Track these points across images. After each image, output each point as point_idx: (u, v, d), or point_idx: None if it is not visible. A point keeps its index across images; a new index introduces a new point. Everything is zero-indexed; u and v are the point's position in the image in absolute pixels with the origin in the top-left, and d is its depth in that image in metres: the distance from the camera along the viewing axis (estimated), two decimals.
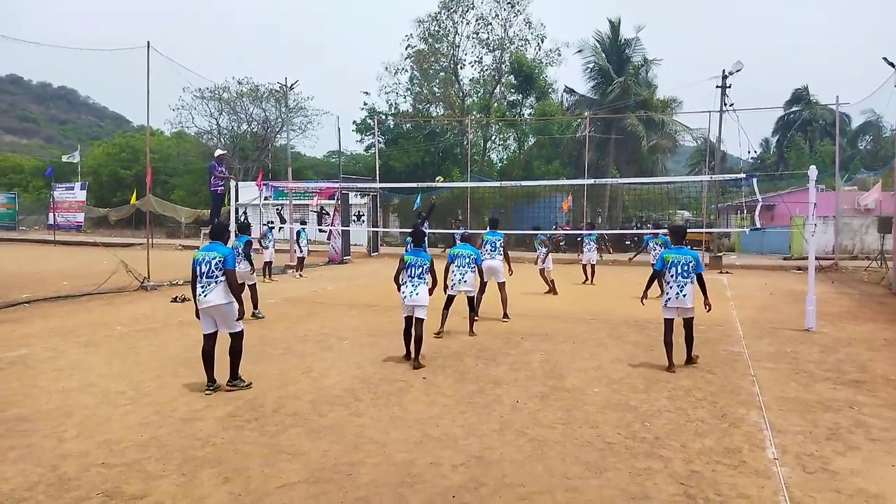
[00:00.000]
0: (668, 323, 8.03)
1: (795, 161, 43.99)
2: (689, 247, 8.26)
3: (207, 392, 6.69)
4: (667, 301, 7.97)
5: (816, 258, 12.37)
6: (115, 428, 5.69)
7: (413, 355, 8.03)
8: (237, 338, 6.93)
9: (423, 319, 8.01)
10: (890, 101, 17.03)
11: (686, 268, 7.88)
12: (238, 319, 6.91)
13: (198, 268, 6.81)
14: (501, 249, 11.75)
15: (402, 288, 8.09)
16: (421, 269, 8.07)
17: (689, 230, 9.29)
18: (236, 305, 6.87)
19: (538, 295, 15.19)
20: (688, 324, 8.05)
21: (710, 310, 8.12)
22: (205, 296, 6.72)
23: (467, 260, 10.07)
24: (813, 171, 11.01)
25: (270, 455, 5.10)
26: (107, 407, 6.30)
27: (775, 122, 54.70)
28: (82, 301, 13.70)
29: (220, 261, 6.78)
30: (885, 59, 16.77)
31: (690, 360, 8.13)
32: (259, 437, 5.49)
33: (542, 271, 15.87)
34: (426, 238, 8.68)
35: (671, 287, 7.93)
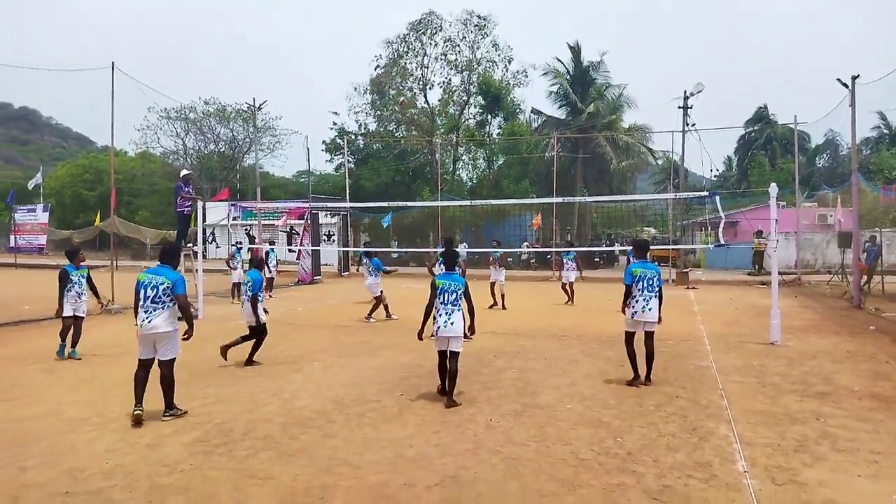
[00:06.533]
0: (631, 336, 8.21)
1: (757, 178, 45.03)
2: (654, 262, 8.40)
3: (137, 412, 6.39)
4: (633, 314, 8.09)
5: (779, 273, 12.64)
6: (79, 456, 5.53)
7: (448, 391, 7.18)
8: (169, 366, 6.64)
9: (458, 353, 7.24)
10: (846, 120, 17.68)
11: (652, 282, 8.06)
12: (186, 338, 6.65)
13: (142, 291, 6.55)
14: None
15: (436, 318, 7.28)
16: (455, 294, 7.29)
17: (653, 247, 9.49)
18: (179, 333, 6.66)
19: (496, 311, 15.53)
20: (649, 337, 8.13)
21: (660, 322, 8.24)
22: (149, 321, 6.47)
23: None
24: (773, 189, 11.23)
25: (240, 480, 4.99)
26: (71, 434, 6.12)
27: (737, 141, 56.20)
28: (44, 325, 13.32)
29: (168, 287, 6.54)
30: (839, 80, 17.41)
31: (649, 379, 8.06)
32: (228, 462, 5.38)
33: (492, 285, 16.22)
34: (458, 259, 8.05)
35: (637, 301, 8.06)
